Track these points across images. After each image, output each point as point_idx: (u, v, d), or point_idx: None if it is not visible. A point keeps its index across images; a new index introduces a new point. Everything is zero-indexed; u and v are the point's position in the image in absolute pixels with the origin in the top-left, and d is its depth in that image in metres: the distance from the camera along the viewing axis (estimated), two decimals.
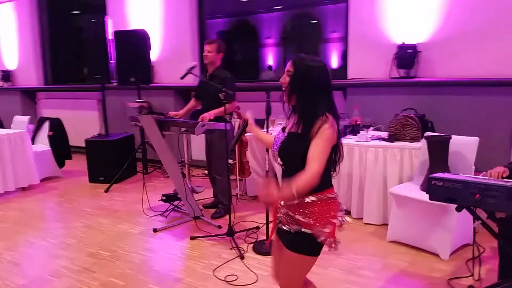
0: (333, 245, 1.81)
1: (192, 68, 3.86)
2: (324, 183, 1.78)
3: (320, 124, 1.74)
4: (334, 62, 5.67)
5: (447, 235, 3.10)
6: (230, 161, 4.20)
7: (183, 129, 3.63)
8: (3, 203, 4.86)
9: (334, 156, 1.84)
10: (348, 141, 4.05)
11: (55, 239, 3.81)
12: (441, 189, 2.31)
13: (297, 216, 1.80)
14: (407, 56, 4.39)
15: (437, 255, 3.16)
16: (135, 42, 5.51)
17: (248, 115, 2.24)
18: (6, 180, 5.06)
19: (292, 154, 1.81)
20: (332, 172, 1.87)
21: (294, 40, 5.91)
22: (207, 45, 3.98)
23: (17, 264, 3.32)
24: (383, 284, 2.81)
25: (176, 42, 6.20)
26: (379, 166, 3.83)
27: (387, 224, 3.66)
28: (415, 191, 3.35)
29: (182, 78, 3.85)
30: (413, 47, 4.38)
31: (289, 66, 1.83)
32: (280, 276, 1.97)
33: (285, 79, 1.83)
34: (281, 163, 1.87)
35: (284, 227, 1.88)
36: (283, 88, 1.85)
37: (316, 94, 1.79)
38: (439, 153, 3.29)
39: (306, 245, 1.81)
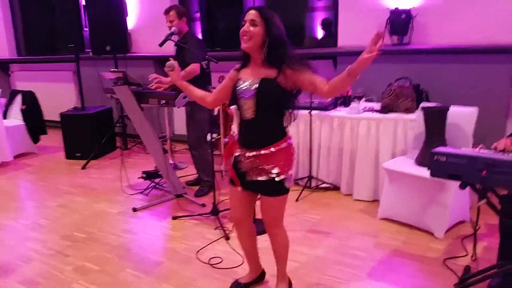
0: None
1: (172, 34, 3.57)
2: (280, 133, 2.05)
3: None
4: (320, 32, 5.43)
5: (443, 212, 2.93)
6: (215, 135, 3.95)
7: (163, 101, 3.36)
8: None
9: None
10: (339, 113, 3.83)
11: (27, 220, 3.56)
12: (444, 165, 2.12)
13: (266, 167, 2.03)
14: (400, 21, 4.12)
15: (431, 233, 3.01)
16: (109, 8, 5.13)
17: (174, 64, 2.35)
18: None
19: (272, 99, 1.98)
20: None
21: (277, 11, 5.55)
22: (166, 16, 3.73)
23: None
24: (376, 265, 2.64)
25: (156, 8, 5.80)
26: (371, 139, 3.63)
27: (377, 201, 3.50)
28: (409, 166, 3.17)
29: (161, 45, 3.53)
30: (407, 11, 4.10)
31: (254, 16, 1.94)
32: (268, 216, 2.19)
33: (248, 28, 1.93)
34: (254, 111, 2.00)
35: (257, 179, 2.07)
36: (246, 37, 1.94)
37: (283, 38, 1.99)
38: (436, 125, 3.09)
39: (280, 187, 2.07)
